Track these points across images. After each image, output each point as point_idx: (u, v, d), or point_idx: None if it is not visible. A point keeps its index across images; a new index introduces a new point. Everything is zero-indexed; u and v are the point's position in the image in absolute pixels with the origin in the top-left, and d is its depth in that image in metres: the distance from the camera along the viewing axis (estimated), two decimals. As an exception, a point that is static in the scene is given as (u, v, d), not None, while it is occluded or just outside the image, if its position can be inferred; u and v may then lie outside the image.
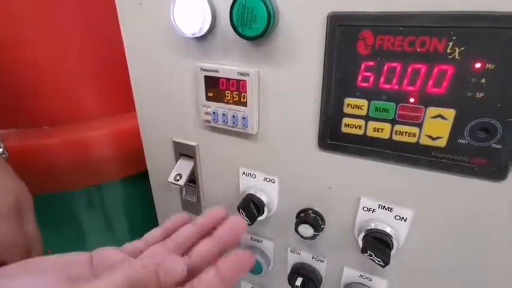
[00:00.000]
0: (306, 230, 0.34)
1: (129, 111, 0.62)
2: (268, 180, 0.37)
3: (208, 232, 0.32)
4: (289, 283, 0.41)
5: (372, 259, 0.31)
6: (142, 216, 0.73)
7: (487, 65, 0.24)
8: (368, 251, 0.31)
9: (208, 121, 0.36)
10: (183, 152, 0.41)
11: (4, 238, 0.37)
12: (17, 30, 0.55)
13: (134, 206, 0.73)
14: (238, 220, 0.31)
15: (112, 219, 0.71)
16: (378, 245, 0.32)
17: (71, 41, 0.58)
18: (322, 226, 0.35)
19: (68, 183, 0.63)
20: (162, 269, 0.26)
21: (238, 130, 0.35)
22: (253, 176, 0.38)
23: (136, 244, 0.32)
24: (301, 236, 0.35)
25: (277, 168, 0.36)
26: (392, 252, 0.32)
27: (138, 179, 0.66)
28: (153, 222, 0.33)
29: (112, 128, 0.64)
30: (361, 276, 0.38)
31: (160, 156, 0.44)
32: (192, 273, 0.28)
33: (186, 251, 0.31)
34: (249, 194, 0.38)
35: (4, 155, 0.47)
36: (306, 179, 0.35)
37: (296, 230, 0.35)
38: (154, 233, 0.33)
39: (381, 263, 0.31)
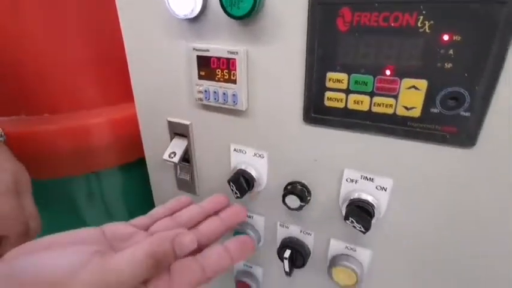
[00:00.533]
0: (293, 201, 0.36)
1: (128, 101, 0.64)
2: (257, 155, 0.39)
3: (211, 215, 0.35)
4: (279, 256, 0.43)
5: (353, 226, 0.33)
6: (140, 203, 0.75)
7: (454, 37, 0.26)
8: (350, 218, 0.33)
9: (200, 99, 0.38)
10: (178, 131, 0.43)
11: (3, 212, 0.39)
12: (19, 21, 0.57)
13: (133, 193, 0.75)
14: (240, 207, 0.35)
15: (111, 205, 0.73)
16: (360, 213, 0.34)
17: (72, 31, 0.60)
18: (309, 198, 0.37)
19: (67, 169, 0.65)
20: (177, 242, 0.28)
21: (228, 107, 0.37)
22: (244, 152, 0.40)
23: (142, 220, 0.34)
24: (289, 207, 0.37)
25: (266, 144, 0.38)
26: (374, 220, 0.34)
27: (137, 166, 0.68)
28: (151, 209, 0.35)
29: (111, 116, 0.66)
30: (346, 247, 0.40)
31: (156, 137, 0.46)
32: (200, 248, 0.30)
33: (192, 227, 0.33)
34: (240, 169, 0.40)
35: (1, 138, 0.50)
36: (292, 153, 0.37)
37: (283, 201, 0.37)
38: (159, 210, 0.36)
39: (362, 229, 0.33)
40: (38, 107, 0.65)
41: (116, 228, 0.31)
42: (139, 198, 0.74)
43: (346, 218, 0.34)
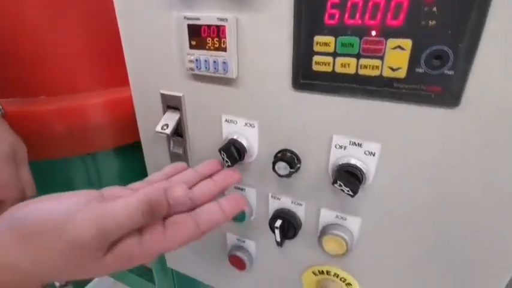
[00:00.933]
0: (282, 168, 0.37)
1: (126, 85, 0.64)
2: (248, 125, 0.40)
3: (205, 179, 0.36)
4: (270, 227, 0.43)
5: (341, 189, 0.34)
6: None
7: (438, -6, 0.26)
8: (338, 182, 0.34)
9: (192, 69, 0.39)
10: (170, 103, 0.43)
11: (2, 178, 0.40)
12: (17, 3, 0.57)
13: (129, 176, 0.76)
14: (232, 170, 0.36)
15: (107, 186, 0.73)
16: (348, 177, 0.34)
17: (69, 13, 0.60)
18: (298, 165, 0.38)
19: (63, 150, 0.65)
20: (169, 192, 0.29)
21: (219, 76, 0.37)
22: (235, 122, 0.40)
23: (139, 184, 0.36)
24: (278, 175, 0.37)
25: (256, 113, 0.39)
26: (363, 186, 0.35)
27: (134, 150, 0.68)
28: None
29: (108, 97, 0.66)
30: (337, 216, 0.40)
31: (150, 111, 0.46)
32: (194, 208, 0.32)
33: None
34: (231, 139, 0.40)
35: None
36: (282, 121, 0.37)
37: (273, 168, 0.37)
38: (154, 176, 0.37)
39: (350, 193, 0.33)
40: (34, 89, 0.65)
41: (113, 191, 0.33)
42: (135, 181, 0.74)
43: (334, 182, 0.34)
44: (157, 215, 0.28)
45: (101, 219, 0.26)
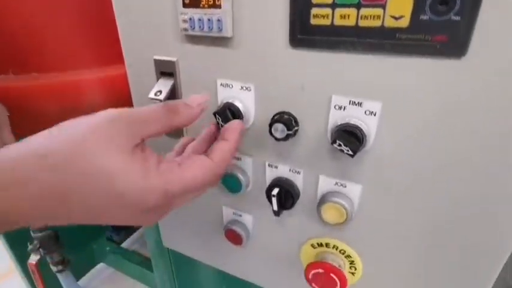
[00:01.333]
0: (279, 129, 0.35)
1: (121, 62, 0.63)
2: (244, 88, 0.38)
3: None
4: (267, 197, 0.42)
5: (341, 149, 0.32)
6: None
7: None
8: (337, 141, 0.32)
9: (185, 29, 0.37)
10: (164, 69, 0.42)
11: None
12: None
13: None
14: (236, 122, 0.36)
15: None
16: (347, 137, 0.33)
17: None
18: (296, 128, 0.36)
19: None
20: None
21: (214, 35, 0.36)
22: (230, 86, 0.39)
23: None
24: (275, 138, 0.36)
25: (252, 75, 0.37)
26: (363, 148, 0.33)
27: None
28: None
29: (102, 74, 0.65)
30: (336, 184, 0.39)
31: (143, 78, 0.45)
32: None
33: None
34: (227, 102, 0.38)
35: None
36: (279, 82, 0.36)
37: (270, 131, 0.36)
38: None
39: (349, 152, 0.32)
40: (26, 66, 0.63)
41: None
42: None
43: (333, 141, 0.33)
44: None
45: (170, 185, 0.27)
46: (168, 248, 0.67)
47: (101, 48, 0.67)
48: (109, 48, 0.64)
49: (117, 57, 0.49)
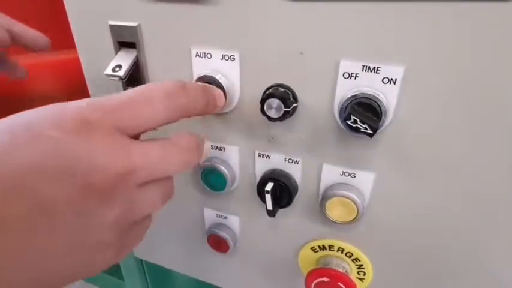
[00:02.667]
0: (274, 106, 0.27)
1: (68, 47, 0.53)
2: (227, 58, 0.30)
3: None
4: (258, 194, 0.34)
5: (356, 127, 0.25)
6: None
7: None
8: (352, 117, 0.25)
9: (147, -19, 0.29)
10: (124, 38, 0.33)
11: None
12: None
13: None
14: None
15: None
16: (363, 112, 0.25)
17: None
18: (295, 104, 0.29)
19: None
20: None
21: (185, -13, 0.28)
22: (209, 55, 0.31)
23: None
24: (269, 118, 0.28)
25: (236, 40, 0.29)
26: (382, 125, 0.26)
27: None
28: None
29: (52, 58, 0.55)
30: (343, 173, 0.31)
31: (97, 51, 0.36)
32: None
33: None
34: (205, 76, 0.30)
35: None
36: (272, 46, 0.28)
37: (262, 109, 0.28)
38: None
39: (368, 131, 0.25)
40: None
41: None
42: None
43: (347, 118, 0.25)
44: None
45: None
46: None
47: (50, 29, 0.57)
48: (57, 30, 0.54)
49: (67, 40, 0.40)
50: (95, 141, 0.18)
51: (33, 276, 0.17)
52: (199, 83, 0.26)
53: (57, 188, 0.17)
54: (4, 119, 0.18)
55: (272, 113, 0.28)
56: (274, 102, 0.27)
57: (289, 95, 0.28)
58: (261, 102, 0.28)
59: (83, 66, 0.37)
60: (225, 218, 0.41)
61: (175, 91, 0.22)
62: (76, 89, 0.54)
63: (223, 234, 0.40)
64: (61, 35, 0.55)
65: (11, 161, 0.16)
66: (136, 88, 0.21)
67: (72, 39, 0.37)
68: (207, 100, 0.25)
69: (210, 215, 0.42)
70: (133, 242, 0.23)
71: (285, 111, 0.27)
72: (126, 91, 0.21)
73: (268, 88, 0.29)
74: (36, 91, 0.53)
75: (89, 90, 0.39)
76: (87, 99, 0.20)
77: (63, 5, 0.35)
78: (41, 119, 0.18)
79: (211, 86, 0.28)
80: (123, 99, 0.20)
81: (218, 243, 0.41)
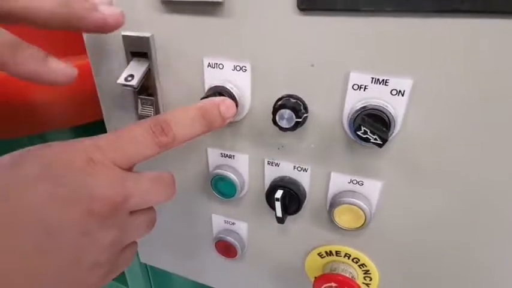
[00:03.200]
0: (286, 116, 0.28)
1: (79, 53, 0.53)
2: (238, 68, 0.31)
3: None
4: (268, 201, 0.35)
5: (366, 137, 0.26)
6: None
7: None
8: (362, 128, 0.26)
9: (162, -7, 0.29)
10: (136, 49, 0.34)
11: None
12: None
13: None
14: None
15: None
16: (373, 122, 0.26)
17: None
18: (305, 115, 0.29)
19: (7, 129, 0.54)
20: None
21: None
22: (221, 66, 0.31)
23: None
24: (280, 128, 0.29)
25: (248, 51, 0.30)
26: (390, 136, 0.27)
27: (94, 128, 0.58)
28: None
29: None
30: (351, 181, 0.32)
31: (109, 62, 0.36)
32: None
33: None
34: (217, 86, 0.31)
35: None
36: (283, 58, 0.29)
37: (273, 119, 0.29)
38: None
39: (378, 141, 0.26)
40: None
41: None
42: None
43: (357, 129, 0.26)
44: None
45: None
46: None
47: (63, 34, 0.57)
48: (68, 37, 0.55)
49: (78, 46, 0.40)
50: (97, 174, 0.22)
51: None
52: (199, 104, 0.27)
53: (66, 213, 0.21)
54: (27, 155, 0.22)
55: (284, 123, 0.29)
56: (286, 112, 0.28)
57: (301, 105, 0.29)
58: (272, 113, 0.29)
59: (94, 74, 0.38)
60: (233, 224, 0.41)
61: (156, 132, 0.25)
62: (83, 95, 0.55)
63: (231, 239, 0.41)
64: (69, 41, 0.56)
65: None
66: (128, 127, 0.25)
67: (82, 46, 0.37)
68: (207, 122, 0.27)
69: (218, 221, 0.42)
70: (122, 266, 0.26)
71: (296, 121, 0.28)
72: (119, 131, 0.24)
73: (280, 99, 0.30)
74: (45, 96, 0.54)
75: (100, 98, 0.40)
76: (90, 140, 0.24)
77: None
78: (57, 158, 0.22)
79: (223, 98, 0.29)
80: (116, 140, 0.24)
81: (226, 248, 0.41)
